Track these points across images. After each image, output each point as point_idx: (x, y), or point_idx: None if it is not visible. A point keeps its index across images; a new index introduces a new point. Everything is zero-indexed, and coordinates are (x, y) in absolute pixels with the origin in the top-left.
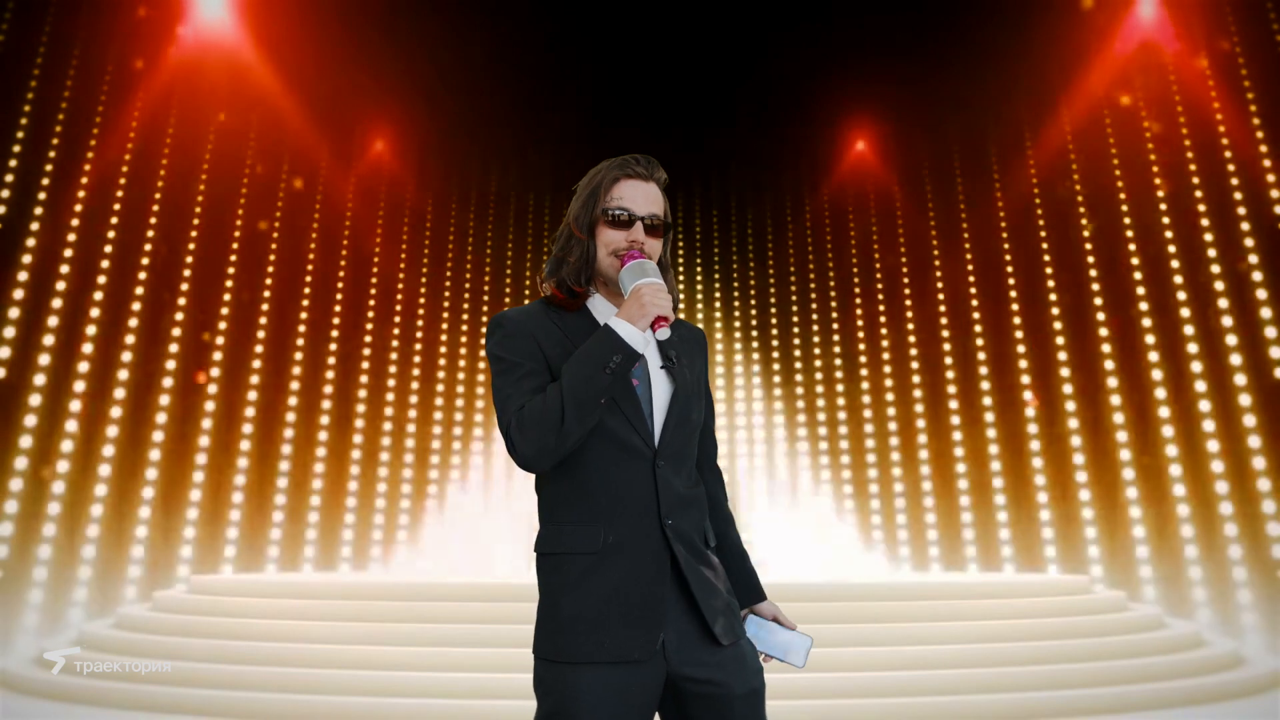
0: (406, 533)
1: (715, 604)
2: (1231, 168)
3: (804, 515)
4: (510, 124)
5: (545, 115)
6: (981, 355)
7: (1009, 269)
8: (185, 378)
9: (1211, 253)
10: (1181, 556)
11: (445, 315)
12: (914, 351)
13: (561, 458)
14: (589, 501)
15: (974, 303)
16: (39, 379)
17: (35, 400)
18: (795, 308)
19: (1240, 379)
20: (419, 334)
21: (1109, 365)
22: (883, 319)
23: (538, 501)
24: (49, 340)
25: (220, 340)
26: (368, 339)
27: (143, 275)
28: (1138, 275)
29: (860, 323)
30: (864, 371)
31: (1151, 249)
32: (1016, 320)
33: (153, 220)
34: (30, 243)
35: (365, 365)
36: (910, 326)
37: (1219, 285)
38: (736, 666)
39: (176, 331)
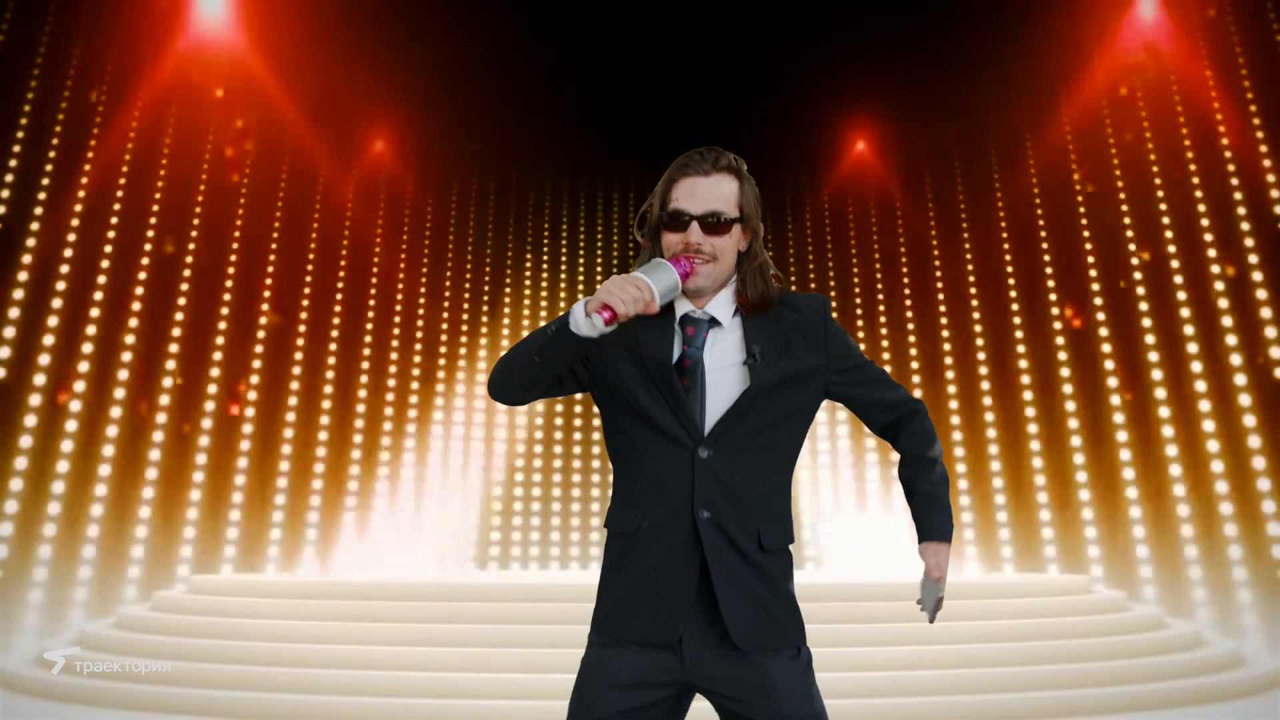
0: (406, 533)
1: (739, 603)
2: (1231, 168)
3: (804, 515)
4: (510, 124)
5: (545, 115)
6: (981, 355)
7: (1009, 269)
8: (185, 378)
9: (1211, 253)
10: (1181, 556)
11: (445, 315)
12: (914, 351)
13: (508, 397)
14: (633, 485)
15: (974, 303)
16: (39, 379)
17: (35, 400)
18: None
19: (1240, 379)
20: (419, 334)
21: (1109, 365)
22: (883, 319)
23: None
24: (49, 340)
25: (220, 340)
26: (368, 339)
27: (143, 275)
28: (1138, 275)
29: (860, 323)
30: None
31: (1151, 249)
32: (1016, 320)
33: (153, 220)
34: (30, 243)
35: (365, 365)
36: (910, 326)
37: (1219, 285)
38: (760, 685)
39: (176, 332)
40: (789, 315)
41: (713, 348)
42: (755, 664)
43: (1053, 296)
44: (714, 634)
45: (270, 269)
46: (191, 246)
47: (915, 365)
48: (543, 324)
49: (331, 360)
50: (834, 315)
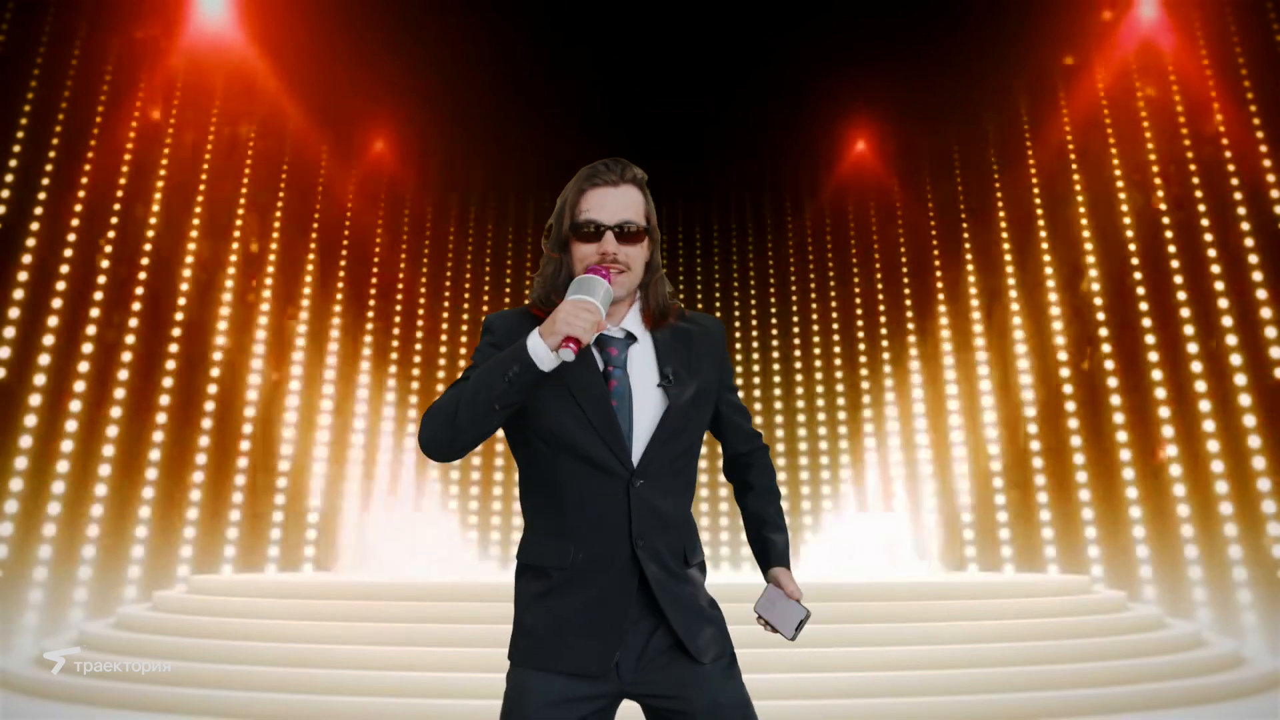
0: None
1: (691, 620)
2: (1231, 168)
3: (803, 515)
4: (510, 123)
5: (545, 114)
6: (982, 355)
7: (1009, 269)
8: (185, 378)
9: (1212, 253)
10: (1181, 556)
11: (445, 315)
12: (914, 352)
13: (457, 454)
14: (562, 517)
15: (974, 303)
16: (39, 379)
17: (35, 400)
18: (795, 308)
19: (1240, 379)
20: (419, 333)
21: (1109, 365)
22: (883, 319)
23: (521, 509)
24: (49, 340)
25: (220, 340)
26: (368, 338)
27: (143, 275)
28: (1138, 275)
29: (860, 323)
30: (864, 371)
31: (1151, 248)
32: (1017, 320)
33: (152, 220)
34: (30, 243)
35: (365, 365)
36: (910, 326)
37: (1219, 285)
38: (700, 681)
39: (176, 332)
40: (694, 331)
41: (632, 365)
42: (697, 666)
43: (1052, 296)
44: (652, 648)
45: (270, 268)
46: (191, 246)
47: (915, 365)
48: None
49: (331, 360)
50: None
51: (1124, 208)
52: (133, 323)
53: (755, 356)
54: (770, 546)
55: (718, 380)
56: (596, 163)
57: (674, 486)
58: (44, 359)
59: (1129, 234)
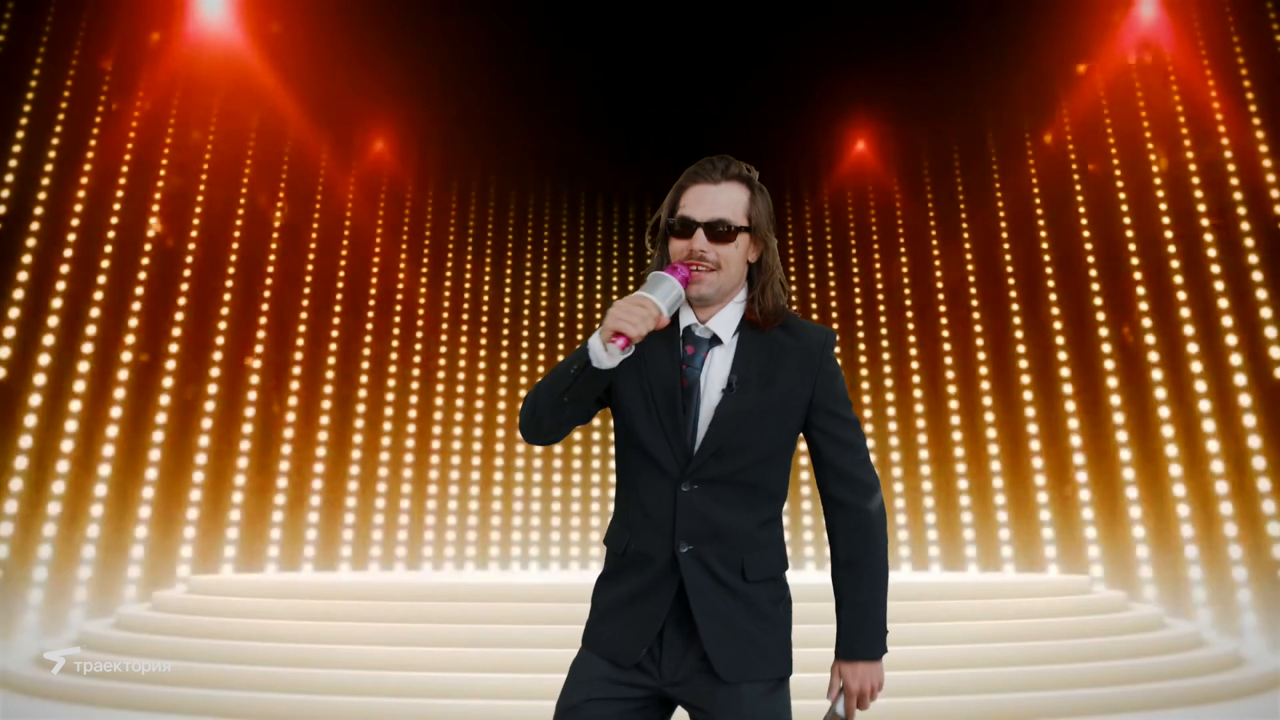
0: (407, 532)
1: (725, 636)
2: (1232, 168)
3: (804, 515)
4: (510, 123)
5: (545, 114)
6: (981, 355)
7: (1009, 269)
8: (185, 378)
9: (1211, 253)
10: (1181, 556)
11: (445, 315)
12: (914, 352)
13: (544, 440)
14: (627, 507)
15: (974, 303)
16: (39, 379)
17: (35, 400)
18: (795, 308)
19: (1240, 379)
20: (419, 334)
21: (1109, 365)
22: (883, 319)
23: None
24: (49, 340)
25: (220, 340)
26: (368, 339)
27: (143, 275)
28: (1138, 275)
29: (860, 323)
30: (864, 371)
31: (1151, 249)
32: (1016, 320)
33: (153, 220)
34: (30, 243)
35: (365, 365)
36: (910, 326)
37: (1219, 285)
38: (729, 701)
39: (176, 332)
40: (787, 341)
41: (710, 368)
42: (729, 685)
43: (1053, 296)
44: (694, 654)
45: (270, 269)
46: (191, 246)
47: (915, 365)
48: (541, 326)
49: (331, 360)
50: (835, 352)
51: (1124, 207)
52: (132, 323)
53: None
54: (842, 630)
55: (805, 396)
56: (704, 159)
57: (736, 498)
58: (44, 359)
59: (1128, 234)
